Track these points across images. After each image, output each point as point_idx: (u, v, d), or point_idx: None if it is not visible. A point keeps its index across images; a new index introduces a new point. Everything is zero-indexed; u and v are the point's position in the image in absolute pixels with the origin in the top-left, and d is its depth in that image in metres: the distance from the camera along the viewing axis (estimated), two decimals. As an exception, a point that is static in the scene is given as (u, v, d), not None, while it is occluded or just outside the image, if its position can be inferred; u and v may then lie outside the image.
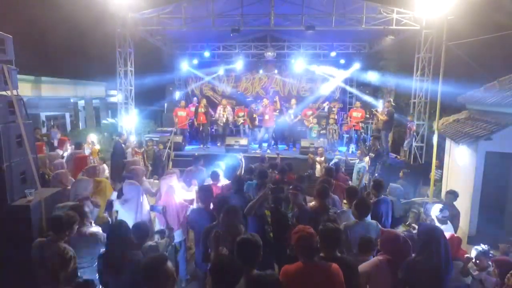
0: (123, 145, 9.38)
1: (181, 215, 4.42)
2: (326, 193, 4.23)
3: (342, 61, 14.46)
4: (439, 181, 8.59)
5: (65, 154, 7.61)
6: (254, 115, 11.48)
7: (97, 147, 8.82)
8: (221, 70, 15.05)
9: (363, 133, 10.69)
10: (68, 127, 15.75)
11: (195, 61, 14.60)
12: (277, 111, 11.74)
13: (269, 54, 13.02)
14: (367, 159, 8.10)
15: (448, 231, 4.36)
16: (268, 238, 3.89)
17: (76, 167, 6.16)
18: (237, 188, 4.50)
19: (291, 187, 4.33)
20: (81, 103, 15.26)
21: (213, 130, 12.50)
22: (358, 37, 12.54)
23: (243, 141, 10.46)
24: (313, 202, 4.37)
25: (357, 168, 8.20)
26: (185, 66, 14.89)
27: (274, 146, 11.41)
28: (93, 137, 8.87)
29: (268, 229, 3.94)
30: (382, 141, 8.63)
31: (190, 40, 13.60)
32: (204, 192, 4.14)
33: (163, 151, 9.68)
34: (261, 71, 15.38)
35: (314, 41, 13.74)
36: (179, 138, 10.49)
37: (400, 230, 6.30)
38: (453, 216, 5.04)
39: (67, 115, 15.93)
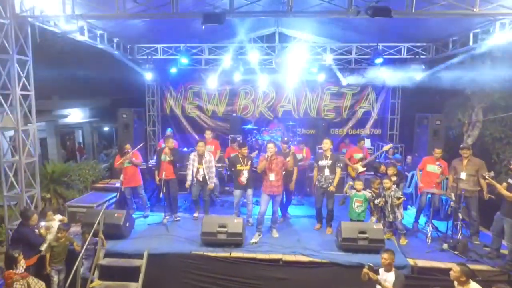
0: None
1: None
2: None
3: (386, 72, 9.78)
4: None
5: None
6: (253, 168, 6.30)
7: None
8: (212, 81, 10.29)
9: (454, 206, 5.65)
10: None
11: (173, 70, 9.96)
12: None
13: (279, 61, 8.39)
14: None
15: None
16: None
17: None
18: None
19: None
20: None
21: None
22: (421, 33, 7.83)
23: (235, 227, 5.33)
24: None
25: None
26: (156, 77, 10.37)
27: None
28: None
29: None
30: None
31: (159, 41, 8.97)
32: None
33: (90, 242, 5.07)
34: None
35: (346, 41, 9.11)
36: (117, 217, 5.69)
37: None
38: None
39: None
